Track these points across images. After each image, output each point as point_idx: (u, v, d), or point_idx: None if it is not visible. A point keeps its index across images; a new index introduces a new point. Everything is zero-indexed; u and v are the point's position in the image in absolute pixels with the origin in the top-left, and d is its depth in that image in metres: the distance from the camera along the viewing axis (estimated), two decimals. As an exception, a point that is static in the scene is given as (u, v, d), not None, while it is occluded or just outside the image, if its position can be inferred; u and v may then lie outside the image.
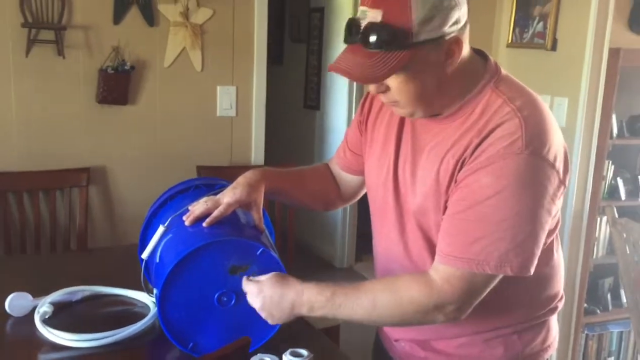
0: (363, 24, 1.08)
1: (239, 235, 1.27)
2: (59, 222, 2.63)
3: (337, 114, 4.26)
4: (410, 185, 1.25)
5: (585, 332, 3.20)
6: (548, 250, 1.25)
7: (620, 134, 3.03)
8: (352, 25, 1.10)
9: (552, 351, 1.35)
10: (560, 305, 1.34)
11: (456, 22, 1.09)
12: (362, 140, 1.42)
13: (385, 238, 1.35)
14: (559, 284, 1.33)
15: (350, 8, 3.94)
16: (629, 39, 2.94)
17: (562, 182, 1.14)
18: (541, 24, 2.99)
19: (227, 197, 1.33)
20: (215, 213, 1.30)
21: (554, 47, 2.94)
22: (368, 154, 1.39)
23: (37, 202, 2.57)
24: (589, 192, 2.96)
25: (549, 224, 1.15)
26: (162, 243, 1.30)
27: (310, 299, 1.19)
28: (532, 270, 1.13)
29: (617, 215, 3.03)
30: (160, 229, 1.32)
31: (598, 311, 3.23)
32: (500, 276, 1.13)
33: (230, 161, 2.94)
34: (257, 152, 2.99)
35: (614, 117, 2.97)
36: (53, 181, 2.60)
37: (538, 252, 1.14)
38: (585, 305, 3.16)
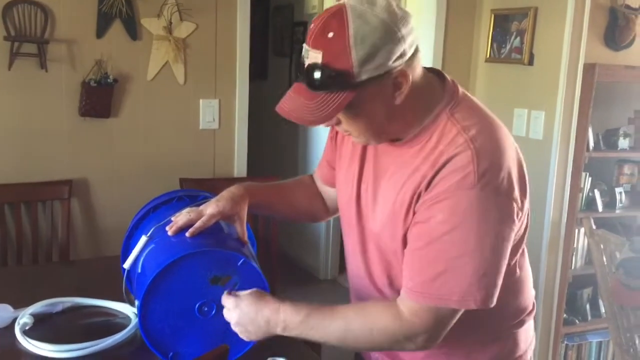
0: (306, 63, 1.09)
1: (220, 246, 1.29)
2: (41, 234, 2.63)
3: (320, 126, 4.29)
4: (371, 207, 1.27)
5: (565, 342, 3.24)
6: (510, 269, 1.24)
7: (596, 147, 3.09)
8: (300, 63, 1.11)
9: None
10: (528, 319, 1.36)
11: (401, 56, 1.09)
12: (336, 154, 1.44)
13: (351, 255, 1.38)
14: (526, 300, 1.35)
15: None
16: (604, 54, 3.01)
17: (520, 208, 1.15)
18: (518, 39, 3.05)
19: (210, 208, 1.34)
20: (198, 224, 1.31)
21: (530, 62, 3.00)
22: (338, 168, 1.41)
23: (19, 215, 2.56)
24: (566, 204, 3.01)
25: (509, 251, 1.16)
26: (144, 253, 1.32)
27: (285, 318, 1.20)
28: (495, 301, 1.14)
29: (594, 227, 3.08)
30: (143, 239, 1.33)
31: (577, 321, 3.26)
32: None
33: (213, 173, 2.96)
34: (239, 165, 3.01)
35: (590, 130, 3.03)
36: (35, 194, 2.59)
37: (500, 282, 1.15)
38: (565, 315, 3.20)
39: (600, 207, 3.14)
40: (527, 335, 1.38)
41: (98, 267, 2.13)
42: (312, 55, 1.08)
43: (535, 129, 3.01)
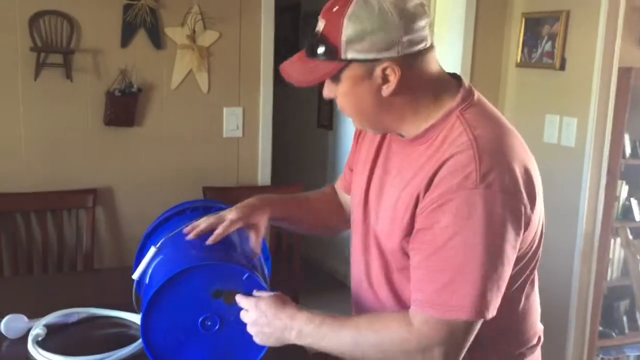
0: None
1: (226, 259, 1.27)
2: (66, 242, 2.66)
3: (350, 133, 4.26)
4: (375, 205, 1.26)
5: (600, 356, 3.13)
6: (513, 296, 1.20)
7: (633, 154, 2.99)
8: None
9: None
10: (528, 354, 1.29)
11: (393, 49, 1.09)
12: (356, 156, 1.42)
13: (354, 257, 1.37)
14: (528, 331, 1.29)
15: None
16: (641, 58, 2.90)
17: (526, 213, 1.10)
18: (550, 43, 2.96)
19: (232, 214, 1.34)
20: (219, 230, 1.31)
21: (562, 67, 2.91)
22: (355, 170, 1.40)
23: (45, 223, 2.60)
24: (600, 213, 2.91)
25: (514, 257, 1.11)
26: (153, 265, 1.31)
27: (300, 324, 1.18)
28: (496, 311, 1.10)
29: (631, 237, 2.97)
30: (152, 251, 1.32)
31: (614, 334, 3.15)
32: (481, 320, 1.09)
33: (237, 182, 2.95)
34: (264, 173, 3.00)
35: (626, 136, 2.93)
36: (60, 202, 2.62)
37: (503, 289, 1.10)
38: (600, 328, 3.09)
39: (637, 217, 3.03)
40: None
41: (121, 276, 2.11)
42: (319, 25, 1.15)
43: (568, 135, 2.92)
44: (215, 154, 2.90)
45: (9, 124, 2.55)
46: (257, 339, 1.22)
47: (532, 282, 1.25)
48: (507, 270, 1.10)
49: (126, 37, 2.65)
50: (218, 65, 2.82)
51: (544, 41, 3.00)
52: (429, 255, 1.10)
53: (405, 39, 1.09)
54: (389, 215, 1.20)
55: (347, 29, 1.09)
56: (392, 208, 1.19)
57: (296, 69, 1.17)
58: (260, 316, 1.20)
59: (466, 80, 1.23)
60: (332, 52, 1.11)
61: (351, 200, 1.40)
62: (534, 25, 3.06)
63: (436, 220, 1.08)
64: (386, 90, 1.13)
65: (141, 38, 2.68)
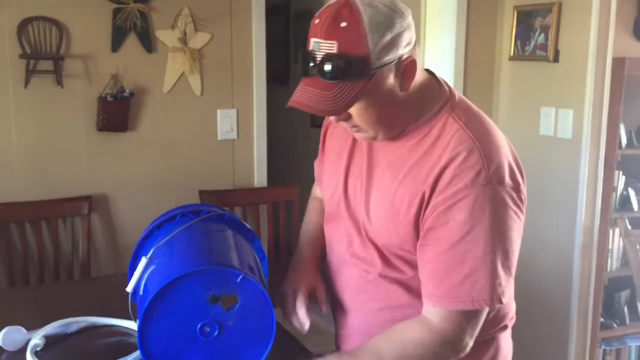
0: (319, 56, 1.07)
1: (218, 263, 1.25)
2: (62, 251, 2.63)
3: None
4: (362, 200, 1.26)
5: (603, 347, 3.12)
6: None
7: (629, 144, 2.98)
8: (309, 57, 1.10)
9: None
10: (510, 324, 1.35)
11: (409, 44, 1.10)
12: (324, 151, 1.45)
13: (336, 244, 1.36)
14: (511, 303, 1.33)
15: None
16: (635, 47, 2.89)
17: (524, 202, 1.17)
18: (542, 35, 2.95)
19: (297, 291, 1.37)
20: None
21: (556, 59, 2.90)
22: (325, 165, 1.42)
23: (40, 232, 2.57)
24: (599, 204, 2.90)
25: (519, 246, 1.17)
26: (146, 275, 1.29)
27: None
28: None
29: (629, 227, 2.96)
30: (143, 261, 1.30)
31: (615, 325, 3.15)
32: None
33: (233, 184, 2.93)
34: (259, 174, 2.98)
35: (622, 127, 2.92)
36: (55, 210, 2.60)
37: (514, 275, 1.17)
38: (602, 319, 3.09)
39: (635, 206, 3.03)
40: (508, 342, 1.37)
41: (118, 283, 2.09)
42: (325, 47, 1.06)
43: (564, 127, 2.91)
44: (211, 156, 2.88)
45: (0, 133, 2.53)
46: None
47: None
48: (516, 257, 1.16)
49: (117, 42, 2.62)
50: (210, 67, 2.81)
51: (537, 33, 2.98)
52: (445, 249, 1.12)
53: (412, 30, 1.11)
54: (385, 211, 1.20)
55: (373, 39, 1.05)
56: (389, 201, 1.19)
57: (320, 99, 1.08)
58: None
59: (438, 75, 1.26)
60: (361, 67, 1.06)
61: (324, 191, 1.40)
62: (526, 18, 3.05)
63: (452, 217, 1.11)
64: (408, 87, 1.13)
65: (132, 42, 2.65)
